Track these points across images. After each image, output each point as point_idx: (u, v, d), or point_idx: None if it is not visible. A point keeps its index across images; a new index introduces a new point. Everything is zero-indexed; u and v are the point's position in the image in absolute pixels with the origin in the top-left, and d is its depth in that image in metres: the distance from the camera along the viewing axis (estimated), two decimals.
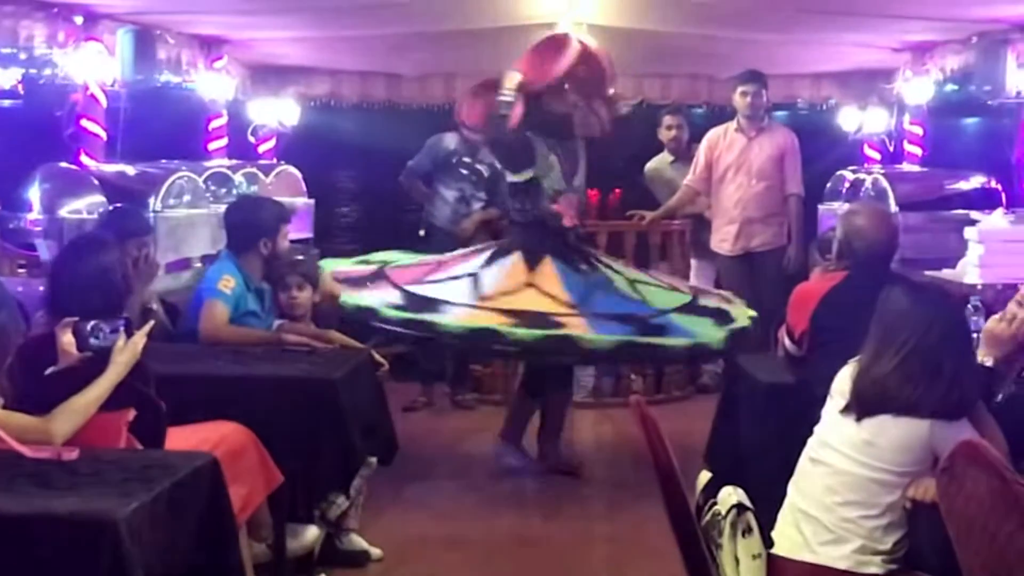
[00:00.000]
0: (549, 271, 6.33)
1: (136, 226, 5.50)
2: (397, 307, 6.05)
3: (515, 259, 6.40)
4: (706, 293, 6.86)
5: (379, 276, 6.43)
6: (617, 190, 8.79)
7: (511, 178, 6.65)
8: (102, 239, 4.39)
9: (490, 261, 6.43)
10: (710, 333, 6.18)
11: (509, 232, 6.87)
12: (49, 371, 3.69)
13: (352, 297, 6.08)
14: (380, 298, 6.12)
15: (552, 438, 6.73)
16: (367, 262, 6.75)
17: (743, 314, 6.48)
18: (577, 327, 5.96)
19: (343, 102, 10.04)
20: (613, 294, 6.36)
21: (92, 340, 3.67)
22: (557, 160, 6.54)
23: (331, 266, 6.45)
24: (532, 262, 6.37)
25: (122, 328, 3.71)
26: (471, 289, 6.22)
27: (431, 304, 6.09)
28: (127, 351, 3.69)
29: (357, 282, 6.31)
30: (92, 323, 3.69)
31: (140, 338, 3.75)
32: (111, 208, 6.35)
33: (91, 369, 3.64)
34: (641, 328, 6.07)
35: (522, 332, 5.86)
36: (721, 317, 6.36)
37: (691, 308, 6.39)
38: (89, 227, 5.95)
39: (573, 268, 6.43)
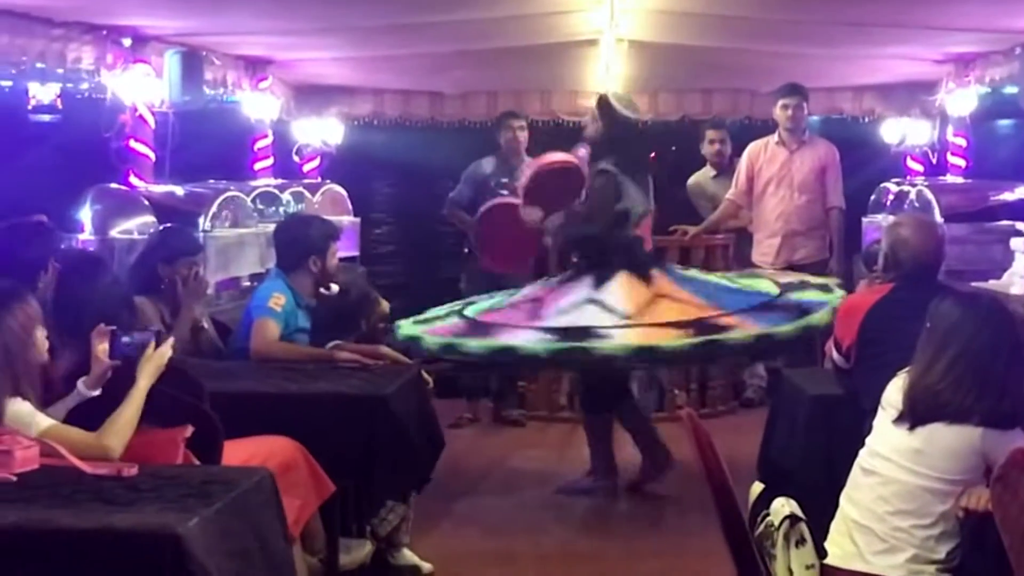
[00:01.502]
0: (665, 282, 6.13)
1: (186, 246, 5.59)
2: (550, 342, 5.70)
3: (624, 277, 6.10)
4: (783, 275, 6.74)
5: (480, 326, 6.05)
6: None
7: None
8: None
9: (598, 285, 6.10)
10: (831, 297, 5.95)
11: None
12: (81, 380, 3.78)
13: (487, 342, 5.83)
14: (524, 338, 5.78)
15: (649, 447, 6.60)
16: (438, 317, 6.34)
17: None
18: (748, 326, 5.74)
19: (386, 120, 10.08)
20: (733, 291, 6.16)
21: (125, 348, 3.79)
22: (635, 186, 6.41)
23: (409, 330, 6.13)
24: (642, 277, 6.13)
25: (152, 339, 3.83)
26: (607, 312, 5.87)
27: (586, 332, 5.71)
28: (153, 360, 3.79)
29: (465, 332, 6.01)
30: (124, 332, 3.84)
31: (167, 348, 3.85)
32: (161, 228, 6.43)
33: (122, 380, 3.74)
34: (797, 312, 5.83)
35: (739, 335, 5.64)
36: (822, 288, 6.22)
37: (790, 288, 6.22)
38: (139, 247, 6.01)
39: (682, 275, 6.32)
